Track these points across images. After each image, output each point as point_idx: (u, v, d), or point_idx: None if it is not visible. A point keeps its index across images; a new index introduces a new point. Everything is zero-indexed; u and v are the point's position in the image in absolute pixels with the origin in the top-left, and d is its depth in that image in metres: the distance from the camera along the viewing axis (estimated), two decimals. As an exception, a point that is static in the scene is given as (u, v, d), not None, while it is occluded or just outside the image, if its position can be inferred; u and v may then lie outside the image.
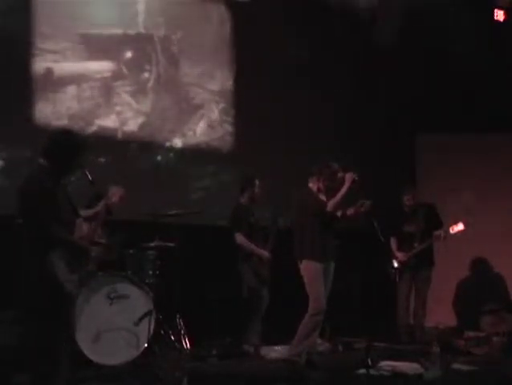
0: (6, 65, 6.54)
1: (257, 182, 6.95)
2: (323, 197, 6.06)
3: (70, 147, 4.25)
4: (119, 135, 7.28)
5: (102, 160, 7.01)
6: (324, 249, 5.98)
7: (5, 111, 6.48)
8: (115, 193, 6.18)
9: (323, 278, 5.94)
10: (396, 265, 7.40)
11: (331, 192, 6.01)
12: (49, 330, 4.08)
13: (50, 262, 4.03)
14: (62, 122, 6.87)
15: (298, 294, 6.12)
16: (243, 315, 6.82)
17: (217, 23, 7.98)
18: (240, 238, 6.82)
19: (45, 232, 4.05)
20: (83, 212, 4.78)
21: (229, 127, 8.00)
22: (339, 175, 6.01)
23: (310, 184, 6.16)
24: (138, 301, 5.92)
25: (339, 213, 6.07)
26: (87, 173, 5.58)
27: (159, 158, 7.50)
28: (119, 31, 7.32)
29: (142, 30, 7.48)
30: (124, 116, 7.31)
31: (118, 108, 7.28)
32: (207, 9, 7.96)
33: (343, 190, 5.92)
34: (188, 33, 7.76)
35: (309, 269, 5.93)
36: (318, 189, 6.07)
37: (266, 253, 6.88)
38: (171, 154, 7.58)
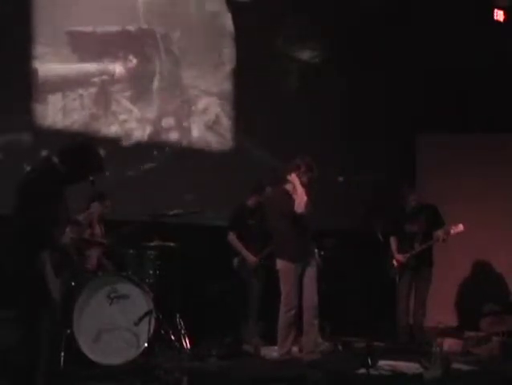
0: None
1: (268, 190, 6.93)
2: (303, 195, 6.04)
3: (89, 161, 4.29)
4: (120, 134, 7.26)
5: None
6: (297, 248, 6.05)
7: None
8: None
9: (303, 277, 6.06)
10: (395, 265, 7.39)
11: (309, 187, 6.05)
12: (31, 329, 4.05)
13: (41, 261, 3.99)
14: (59, 125, 6.87)
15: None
16: (236, 313, 6.91)
17: (218, 22, 7.97)
18: (230, 237, 7.06)
19: (40, 230, 4.00)
20: (81, 217, 4.78)
21: (229, 128, 7.99)
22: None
23: (287, 186, 6.14)
24: (138, 301, 5.92)
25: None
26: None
27: (159, 158, 7.49)
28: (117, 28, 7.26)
29: (144, 26, 7.42)
30: (125, 118, 7.30)
31: (119, 111, 7.26)
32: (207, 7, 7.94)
33: (299, 189, 5.97)
34: (188, 32, 7.74)
35: (282, 268, 6.09)
36: (302, 185, 6.04)
37: (252, 258, 6.97)
38: (171, 154, 7.57)
